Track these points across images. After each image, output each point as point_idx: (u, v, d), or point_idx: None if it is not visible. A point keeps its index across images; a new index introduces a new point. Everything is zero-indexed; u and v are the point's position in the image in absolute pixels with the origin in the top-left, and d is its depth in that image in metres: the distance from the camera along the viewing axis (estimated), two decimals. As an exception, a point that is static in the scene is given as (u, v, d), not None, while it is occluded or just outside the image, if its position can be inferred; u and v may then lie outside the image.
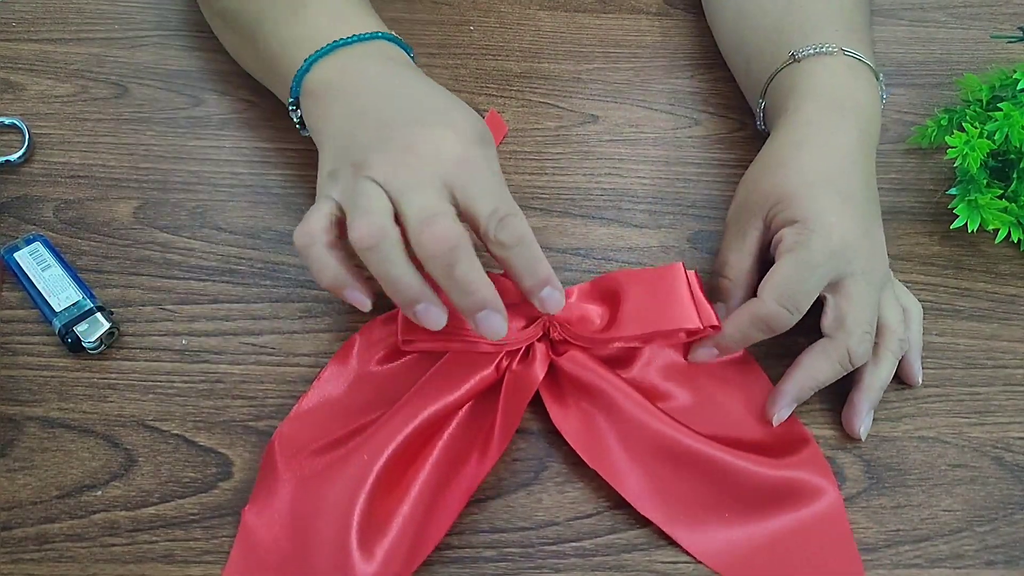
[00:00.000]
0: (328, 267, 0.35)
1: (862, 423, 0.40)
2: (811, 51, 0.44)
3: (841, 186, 0.40)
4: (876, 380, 0.40)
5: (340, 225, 0.36)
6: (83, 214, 0.45)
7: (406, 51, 0.43)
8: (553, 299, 0.36)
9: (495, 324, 0.35)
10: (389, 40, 0.42)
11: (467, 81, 0.52)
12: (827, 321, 0.39)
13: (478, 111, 0.51)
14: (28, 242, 0.43)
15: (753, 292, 0.40)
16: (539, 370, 0.39)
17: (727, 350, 0.41)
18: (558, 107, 0.52)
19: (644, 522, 0.38)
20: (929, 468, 0.40)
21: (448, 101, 0.39)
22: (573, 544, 0.37)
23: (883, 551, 0.38)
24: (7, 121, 0.47)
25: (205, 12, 0.49)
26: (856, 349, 0.38)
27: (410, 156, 0.36)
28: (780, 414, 0.40)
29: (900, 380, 0.42)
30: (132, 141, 0.48)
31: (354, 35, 0.41)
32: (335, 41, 0.41)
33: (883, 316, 0.40)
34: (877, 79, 0.45)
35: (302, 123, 0.43)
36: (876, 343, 0.40)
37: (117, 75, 0.50)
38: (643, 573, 0.37)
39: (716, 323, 0.40)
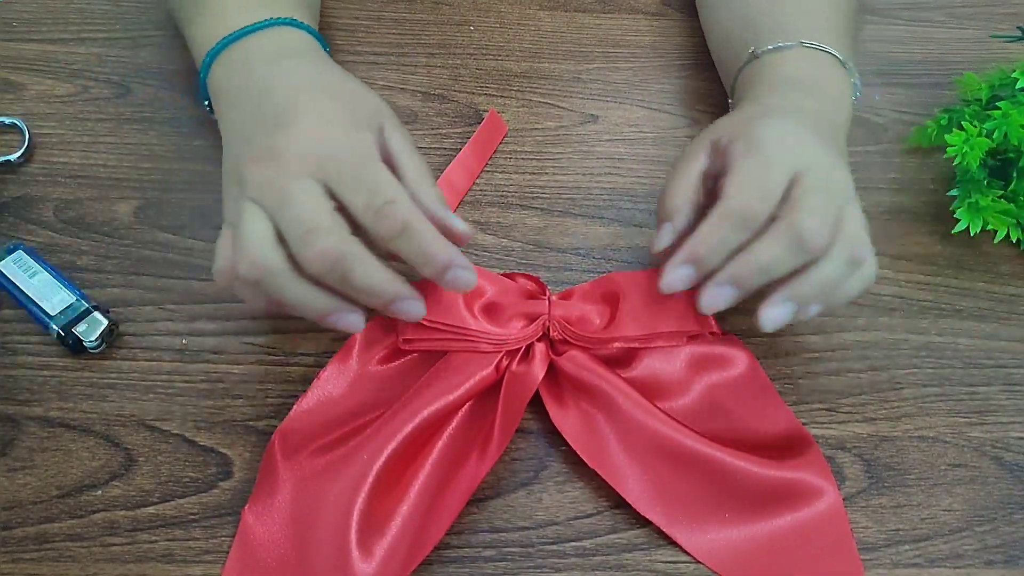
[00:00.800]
0: (311, 299, 0.34)
1: (771, 307, 0.35)
2: (769, 47, 0.44)
3: (800, 121, 0.38)
4: (813, 274, 0.35)
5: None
6: (83, 214, 0.45)
7: (312, 35, 0.41)
8: (461, 280, 0.34)
9: (412, 310, 0.35)
10: (290, 25, 0.40)
11: (467, 81, 0.52)
12: (781, 204, 0.35)
13: (478, 111, 0.51)
14: (9, 252, 0.42)
15: (698, 212, 0.38)
16: (539, 370, 0.39)
17: (702, 261, 0.36)
18: (558, 107, 0.52)
19: (644, 522, 0.38)
20: (929, 468, 0.40)
21: (323, 85, 0.37)
22: (573, 544, 0.37)
23: (883, 551, 0.38)
24: (7, 121, 0.47)
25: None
26: (807, 224, 0.34)
27: (275, 161, 0.34)
28: (710, 294, 0.36)
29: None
30: (133, 141, 0.48)
31: (244, 27, 0.39)
32: (225, 37, 0.39)
33: (845, 222, 0.36)
34: (845, 67, 0.44)
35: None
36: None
37: (118, 75, 0.50)
38: (643, 573, 0.37)
39: (716, 330, 0.40)
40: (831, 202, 0.36)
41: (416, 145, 0.38)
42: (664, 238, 0.38)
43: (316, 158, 0.34)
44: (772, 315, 0.36)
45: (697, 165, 0.38)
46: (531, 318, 0.39)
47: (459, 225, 0.36)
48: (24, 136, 0.47)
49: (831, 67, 0.43)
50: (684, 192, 0.38)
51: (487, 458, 0.37)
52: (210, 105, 0.41)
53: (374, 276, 0.33)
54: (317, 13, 0.45)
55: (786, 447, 0.39)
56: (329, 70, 0.39)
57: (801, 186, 0.35)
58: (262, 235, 0.33)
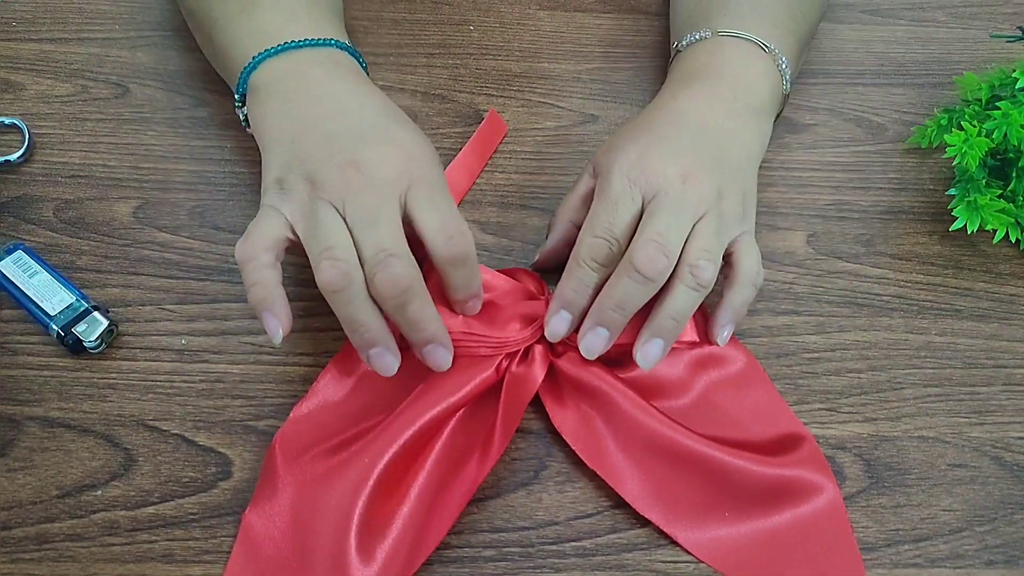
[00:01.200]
0: (260, 285, 0.35)
1: (640, 348, 0.37)
2: (685, 42, 0.46)
3: (664, 136, 0.40)
4: (664, 306, 0.37)
5: (285, 243, 0.36)
6: (83, 214, 0.45)
7: (358, 61, 0.43)
8: (475, 308, 0.39)
9: (439, 358, 0.37)
10: (342, 48, 0.42)
11: (467, 81, 0.52)
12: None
13: (478, 111, 0.51)
14: (9, 252, 0.42)
15: (573, 229, 0.41)
16: (539, 371, 0.39)
17: (571, 304, 0.38)
18: (558, 107, 0.52)
19: (644, 522, 0.38)
20: (929, 468, 0.40)
21: (394, 117, 0.39)
22: (573, 544, 0.37)
23: (883, 550, 0.38)
24: (7, 121, 0.47)
25: (182, 10, 0.49)
26: (639, 256, 0.36)
27: (364, 176, 0.36)
28: (585, 341, 0.37)
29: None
30: (132, 141, 0.48)
31: (306, 39, 0.41)
32: (285, 43, 0.40)
33: (694, 238, 0.37)
34: (770, 54, 0.44)
35: (247, 121, 0.42)
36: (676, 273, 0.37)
37: (117, 75, 0.50)
38: (643, 573, 0.37)
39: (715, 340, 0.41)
40: (676, 223, 0.37)
41: None
42: (538, 253, 0.43)
43: (398, 179, 0.36)
44: (643, 354, 0.38)
45: (579, 190, 0.42)
46: (530, 320, 0.39)
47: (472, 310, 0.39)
48: (24, 136, 0.47)
49: (749, 54, 0.44)
50: (562, 214, 0.42)
51: (488, 459, 0.37)
52: (242, 100, 0.42)
53: (425, 312, 0.36)
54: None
55: (785, 445, 0.39)
56: (390, 103, 0.41)
57: (648, 212, 0.37)
58: (347, 246, 0.35)
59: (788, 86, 0.45)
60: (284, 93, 0.40)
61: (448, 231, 0.36)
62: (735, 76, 0.43)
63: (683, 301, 0.37)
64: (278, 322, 0.35)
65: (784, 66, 0.45)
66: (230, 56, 0.43)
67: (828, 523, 0.38)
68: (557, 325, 0.38)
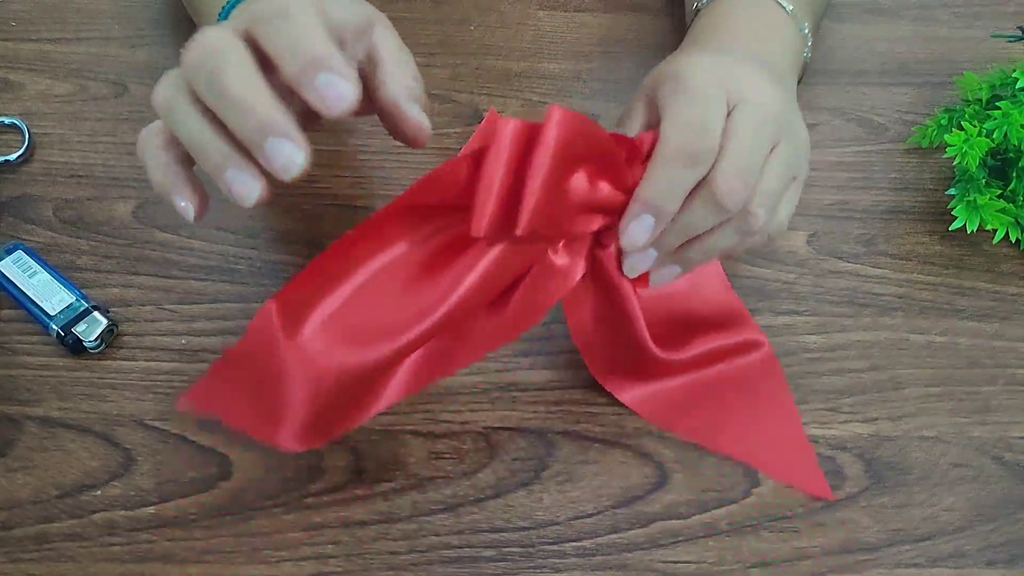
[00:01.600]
0: (156, 168, 0.30)
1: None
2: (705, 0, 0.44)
3: (731, 56, 0.37)
4: (699, 238, 0.34)
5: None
6: (82, 213, 0.45)
7: None
8: (333, 89, 0.27)
9: (287, 153, 0.28)
10: None
11: (467, 80, 0.52)
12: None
13: (478, 111, 0.51)
14: (9, 251, 0.42)
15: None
16: (578, 269, 0.35)
17: (654, 204, 0.33)
18: (558, 106, 0.51)
19: (645, 521, 0.38)
20: (930, 467, 0.40)
21: None
22: (574, 544, 0.37)
23: (884, 550, 0.38)
24: (7, 121, 0.47)
25: None
26: (723, 189, 0.32)
27: None
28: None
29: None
30: (131, 140, 0.47)
31: None
32: None
33: (768, 167, 0.34)
34: (792, 17, 0.43)
35: None
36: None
37: (116, 74, 0.50)
38: (644, 572, 0.37)
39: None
40: (758, 145, 0.33)
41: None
42: None
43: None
44: (658, 275, 0.35)
45: (633, 123, 0.36)
46: (605, 209, 0.34)
47: (416, 115, 0.32)
48: (24, 136, 0.47)
49: (774, 16, 0.43)
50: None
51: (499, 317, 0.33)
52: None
53: (250, 85, 0.27)
54: None
55: (725, 321, 0.40)
56: None
57: (731, 124, 0.33)
58: (173, 72, 0.29)
59: (809, 54, 0.44)
60: None
61: (268, 12, 0.28)
62: (764, 40, 0.40)
63: (724, 241, 0.34)
64: (186, 200, 0.31)
65: (806, 31, 0.44)
66: (207, 17, 0.41)
67: (764, 375, 0.39)
68: (637, 231, 0.33)
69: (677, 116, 0.33)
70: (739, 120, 0.33)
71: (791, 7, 0.43)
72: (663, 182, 0.32)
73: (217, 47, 0.27)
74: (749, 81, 0.34)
